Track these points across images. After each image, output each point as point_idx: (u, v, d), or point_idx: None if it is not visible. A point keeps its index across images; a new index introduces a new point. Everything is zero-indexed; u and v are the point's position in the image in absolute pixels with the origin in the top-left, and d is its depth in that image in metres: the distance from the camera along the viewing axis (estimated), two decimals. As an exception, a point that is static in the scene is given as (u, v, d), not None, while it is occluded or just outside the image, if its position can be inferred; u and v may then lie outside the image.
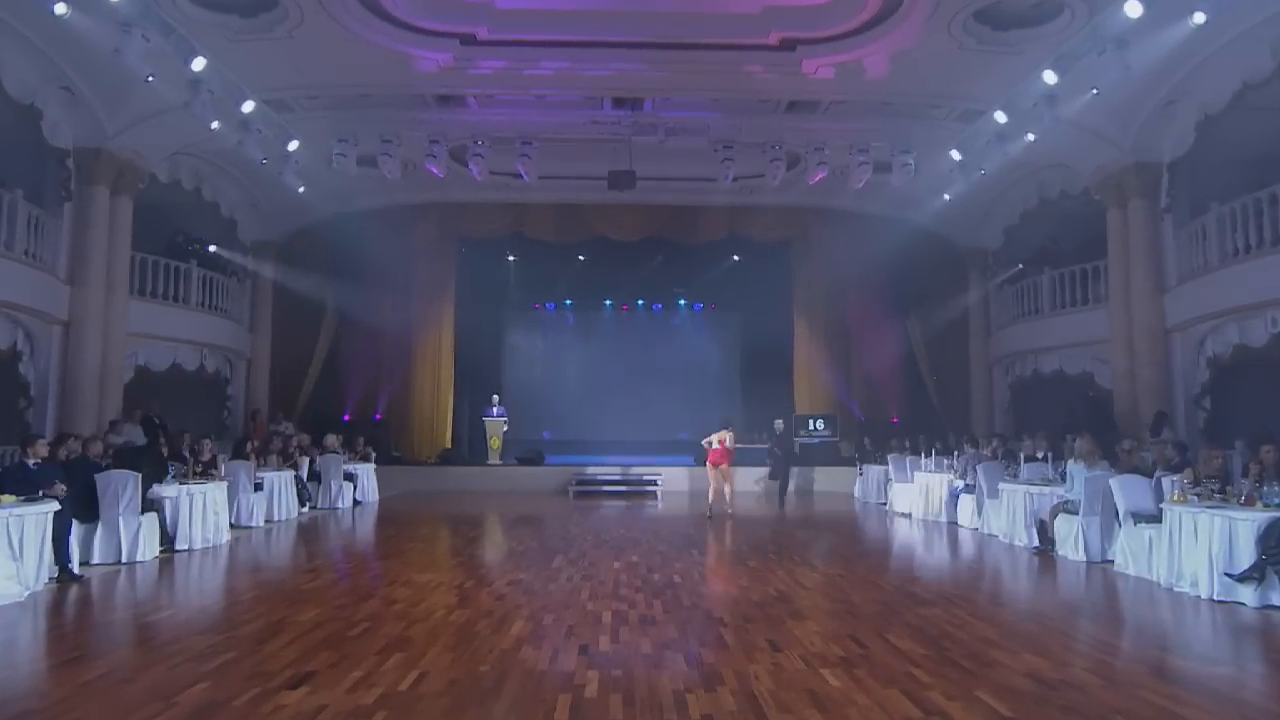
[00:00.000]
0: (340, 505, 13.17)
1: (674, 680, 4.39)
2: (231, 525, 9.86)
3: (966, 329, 17.68)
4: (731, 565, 7.86)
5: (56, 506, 6.86)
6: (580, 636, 5.28)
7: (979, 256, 17.45)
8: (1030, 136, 11.51)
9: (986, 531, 10.23)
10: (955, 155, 13.09)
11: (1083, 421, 11.98)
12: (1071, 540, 8.37)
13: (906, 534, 10.86)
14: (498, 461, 17.10)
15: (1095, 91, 10.03)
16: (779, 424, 13.58)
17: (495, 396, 17.74)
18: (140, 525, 8.01)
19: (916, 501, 12.30)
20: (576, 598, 6.47)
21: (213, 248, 15.85)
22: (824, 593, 6.72)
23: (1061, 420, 13.09)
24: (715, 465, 12.08)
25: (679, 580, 7.22)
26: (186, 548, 8.69)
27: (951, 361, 17.67)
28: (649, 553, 8.74)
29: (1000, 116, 11.47)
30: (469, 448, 18.45)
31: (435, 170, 13.76)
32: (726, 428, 12.29)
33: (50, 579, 6.82)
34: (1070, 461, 8.81)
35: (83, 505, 7.66)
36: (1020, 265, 16.17)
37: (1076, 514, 8.34)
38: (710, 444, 12.18)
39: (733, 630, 5.43)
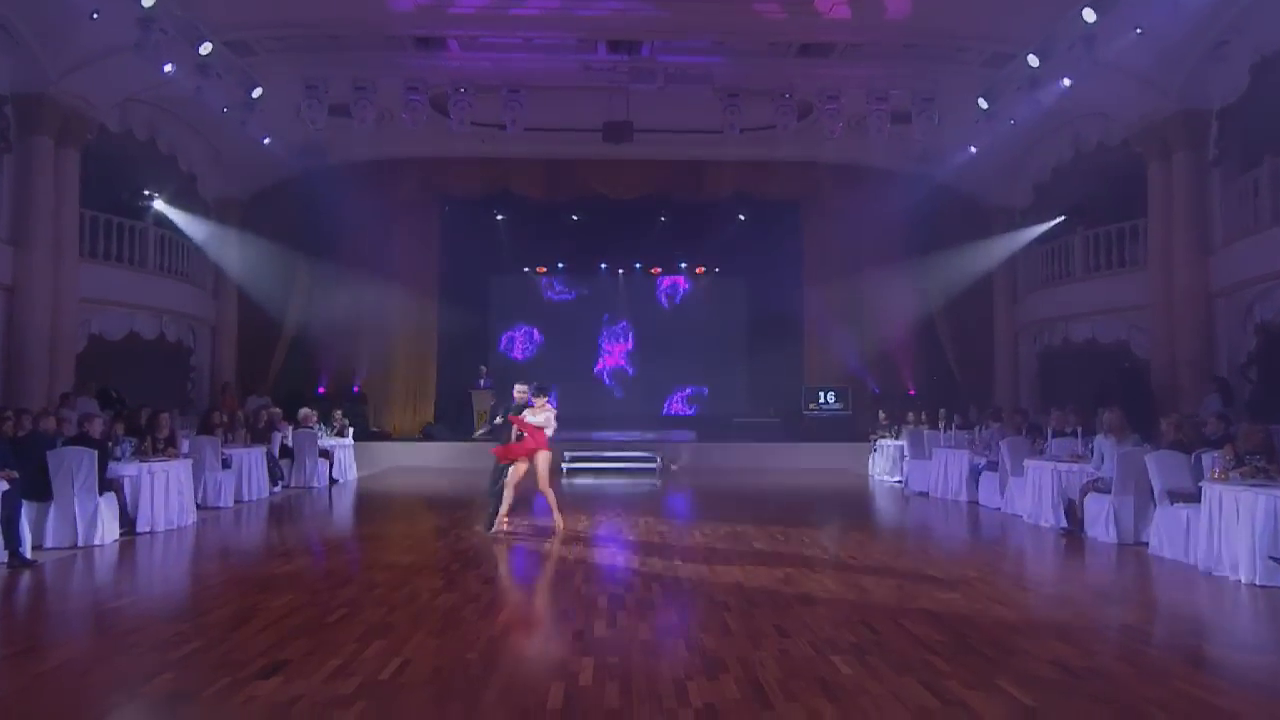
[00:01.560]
0: (316, 484, 13.18)
1: (674, 667, 4.41)
2: (198, 505, 9.86)
3: (991, 294, 17.60)
4: (736, 546, 7.90)
5: (5, 486, 6.85)
6: (574, 621, 5.31)
7: (1006, 216, 17.30)
8: (1066, 82, 11.34)
9: (1010, 511, 10.28)
10: (982, 103, 12.93)
11: (1117, 394, 11.97)
12: (1102, 521, 8.41)
13: (924, 514, 10.92)
14: (486, 436, 17.10)
15: (1139, 31, 9.90)
16: (517, 398, 8.93)
17: (483, 367, 17.72)
18: (98, 506, 7.99)
19: (935, 479, 12.35)
20: (570, 580, 6.50)
21: (158, 203, 15.36)
22: (835, 576, 6.75)
23: (1093, 392, 13.08)
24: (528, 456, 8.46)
25: (680, 562, 7.25)
26: (149, 530, 8.68)
27: (974, 329, 17.63)
28: (647, 532, 8.78)
29: (1033, 60, 11.30)
30: (455, 422, 18.44)
31: (411, 120, 13.57)
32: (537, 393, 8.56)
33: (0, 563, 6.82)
34: (1099, 436, 8.83)
35: (34, 484, 7.64)
36: (1061, 217, 15.92)
37: (1108, 492, 8.37)
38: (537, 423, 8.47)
39: (737, 615, 5.46)
